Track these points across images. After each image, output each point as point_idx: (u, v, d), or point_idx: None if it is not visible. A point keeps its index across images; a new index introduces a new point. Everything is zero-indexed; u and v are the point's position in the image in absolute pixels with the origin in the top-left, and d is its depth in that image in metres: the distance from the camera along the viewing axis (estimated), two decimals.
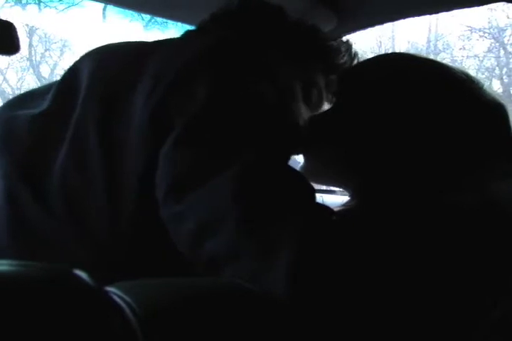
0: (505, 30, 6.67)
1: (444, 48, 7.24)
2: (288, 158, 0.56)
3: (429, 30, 7.25)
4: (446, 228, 0.49)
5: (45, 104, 0.65)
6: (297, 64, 0.70)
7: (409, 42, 7.48)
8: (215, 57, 0.56)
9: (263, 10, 0.71)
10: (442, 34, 7.24)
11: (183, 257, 0.49)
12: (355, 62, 0.78)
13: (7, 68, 6.83)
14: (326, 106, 0.78)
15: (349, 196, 0.67)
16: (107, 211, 0.54)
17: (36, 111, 0.65)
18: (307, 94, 0.72)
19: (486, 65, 6.90)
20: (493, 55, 6.89)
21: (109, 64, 0.63)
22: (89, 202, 0.55)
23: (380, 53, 0.75)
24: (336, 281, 0.42)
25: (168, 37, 0.70)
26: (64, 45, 6.63)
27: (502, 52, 6.86)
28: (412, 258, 0.47)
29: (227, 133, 0.50)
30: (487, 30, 6.74)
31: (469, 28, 6.70)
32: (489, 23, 6.63)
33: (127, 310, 0.27)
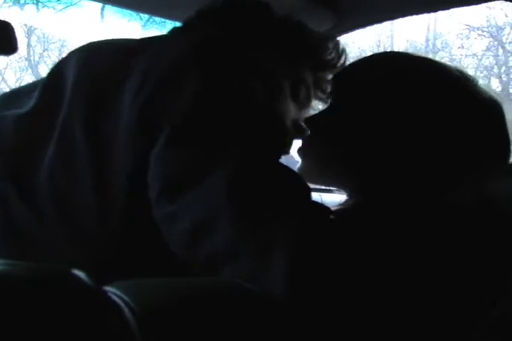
0: (504, 28, 6.67)
1: (442, 47, 7.25)
2: (279, 156, 0.56)
3: (428, 28, 7.25)
4: (444, 227, 0.49)
5: (31, 103, 0.64)
6: (284, 61, 0.70)
7: (407, 41, 7.49)
8: (202, 54, 0.56)
9: (249, 6, 0.71)
10: (441, 33, 7.25)
11: (176, 256, 0.49)
12: (343, 58, 0.77)
13: (5, 68, 6.84)
14: (314, 104, 0.78)
15: (347, 195, 0.67)
16: (96, 209, 0.54)
17: (22, 110, 0.64)
18: (295, 91, 0.72)
19: (485, 64, 6.90)
20: (492, 54, 6.89)
21: (94, 62, 0.63)
22: (77, 200, 0.55)
23: (379, 52, 0.75)
24: (333, 280, 0.42)
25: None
26: (62, 45, 6.63)
27: (501, 50, 6.87)
28: (410, 257, 0.47)
29: (217, 132, 0.50)
30: (485, 29, 6.74)
31: (468, 27, 6.71)
32: (488, 21, 6.63)
33: (126, 310, 0.27)
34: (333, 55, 0.75)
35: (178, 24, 1.10)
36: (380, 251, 0.47)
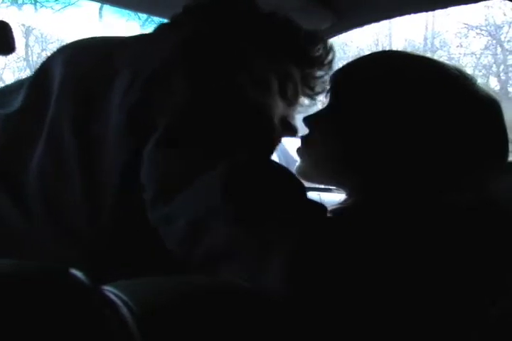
0: (502, 27, 6.68)
1: (441, 46, 7.25)
2: (271, 153, 0.56)
3: (426, 27, 7.26)
4: (444, 227, 0.49)
5: (18, 102, 0.64)
6: (271, 57, 0.69)
7: (406, 39, 7.49)
8: (191, 51, 0.55)
9: (235, 2, 0.70)
10: (439, 32, 7.26)
11: (169, 254, 0.48)
12: (331, 55, 0.77)
13: (4, 68, 6.83)
14: (302, 100, 0.77)
15: (346, 195, 0.67)
16: (86, 208, 0.54)
17: (10, 109, 0.64)
18: (283, 87, 0.71)
19: (483, 63, 6.91)
20: (490, 53, 6.90)
21: (81, 60, 0.62)
22: (66, 200, 0.55)
23: (377, 51, 0.75)
24: (332, 280, 0.42)
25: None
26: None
27: (499, 49, 6.88)
28: (409, 257, 0.47)
29: (209, 131, 0.49)
30: (484, 28, 6.75)
31: (466, 26, 6.71)
32: (486, 20, 6.64)
33: (124, 309, 0.27)
34: (320, 51, 0.75)
35: None
36: (379, 250, 0.47)
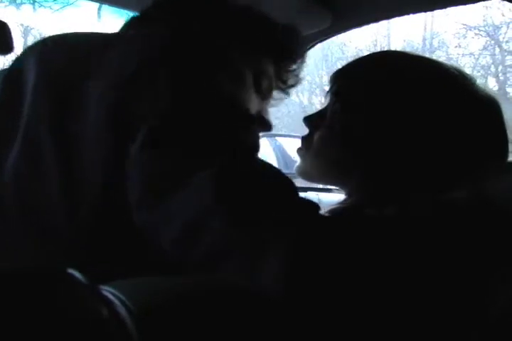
0: (501, 27, 6.70)
1: (439, 46, 7.28)
2: (257, 151, 0.55)
3: (425, 28, 7.28)
4: (444, 227, 0.49)
5: None
6: (246, 51, 0.68)
7: (404, 40, 7.52)
8: (171, 52, 0.55)
9: None
10: (438, 32, 7.28)
11: (160, 252, 0.48)
12: (304, 48, 0.76)
13: (2, 68, 6.81)
14: (275, 94, 0.77)
15: (346, 195, 0.67)
16: (64, 205, 0.53)
17: None
18: (257, 81, 0.70)
19: (482, 63, 6.93)
20: (489, 53, 6.92)
21: (54, 57, 0.61)
22: (43, 198, 0.54)
23: (375, 51, 0.75)
24: (329, 279, 0.42)
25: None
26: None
27: (497, 50, 6.90)
28: (409, 257, 0.47)
29: (193, 131, 0.49)
30: (482, 28, 6.77)
31: (465, 26, 6.73)
32: (484, 20, 6.66)
33: (122, 309, 0.27)
34: (295, 45, 0.74)
35: None
36: (378, 250, 0.47)
